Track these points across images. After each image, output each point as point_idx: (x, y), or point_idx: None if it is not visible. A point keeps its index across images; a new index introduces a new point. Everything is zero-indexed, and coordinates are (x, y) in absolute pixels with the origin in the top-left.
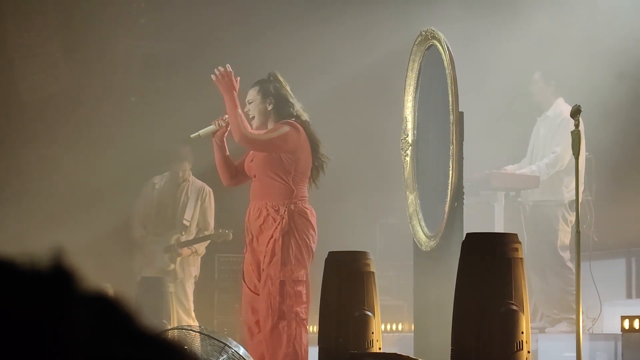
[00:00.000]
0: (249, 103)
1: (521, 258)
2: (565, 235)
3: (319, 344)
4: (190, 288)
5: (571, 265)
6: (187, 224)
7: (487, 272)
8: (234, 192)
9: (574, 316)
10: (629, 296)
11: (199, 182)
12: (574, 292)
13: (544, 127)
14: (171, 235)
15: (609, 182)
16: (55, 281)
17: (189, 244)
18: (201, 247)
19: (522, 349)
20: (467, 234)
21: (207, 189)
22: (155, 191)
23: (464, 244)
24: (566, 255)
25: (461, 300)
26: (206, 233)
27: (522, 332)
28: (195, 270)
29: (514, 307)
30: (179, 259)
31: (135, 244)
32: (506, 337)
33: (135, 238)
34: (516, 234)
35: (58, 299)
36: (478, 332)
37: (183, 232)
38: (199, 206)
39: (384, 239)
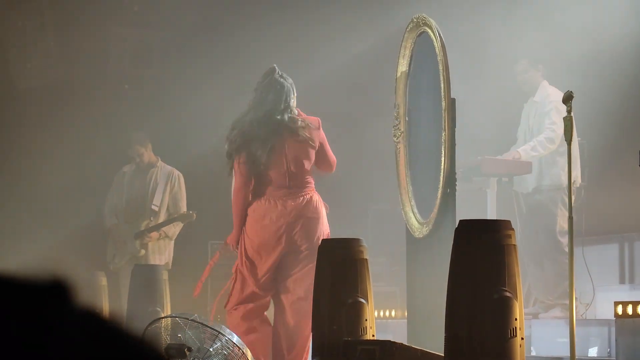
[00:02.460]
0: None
1: (514, 245)
2: (564, 220)
3: (312, 331)
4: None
5: (567, 250)
6: (156, 209)
7: (480, 258)
8: (206, 177)
9: (568, 302)
10: (622, 282)
11: (168, 167)
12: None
13: (534, 111)
14: (141, 221)
15: (601, 167)
16: (52, 294)
17: (155, 228)
18: (171, 231)
19: (516, 336)
20: (460, 220)
21: (177, 173)
22: (126, 179)
23: (457, 230)
24: (565, 240)
25: (454, 287)
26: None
27: (516, 319)
28: (166, 257)
29: (508, 294)
30: (149, 244)
31: (108, 233)
32: (500, 323)
33: (107, 227)
34: (509, 221)
35: (55, 312)
36: (471, 318)
37: (152, 218)
38: (168, 191)
39: (376, 225)
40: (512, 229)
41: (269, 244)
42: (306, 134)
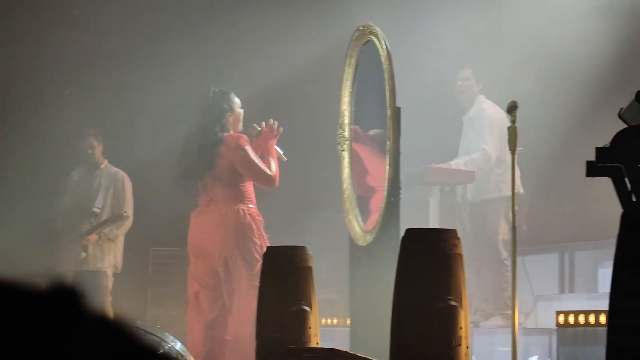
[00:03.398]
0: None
1: (460, 254)
2: (506, 231)
3: (256, 338)
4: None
5: (508, 262)
6: (98, 211)
7: (426, 267)
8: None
9: (508, 311)
10: (562, 291)
11: (114, 169)
12: (509, 289)
13: (470, 127)
14: (84, 224)
15: (542, 177)
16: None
17: (91, 230)
18: (112, 233)
19: (461, 344)
20: (407, 229)
21: (122, 174)
22: (73, 182)
23: (404, 239)
24: (506, 252)
25: (401, 295)
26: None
27: (461, 328)
28: (113, 259)
29: (453, 303)
30: (90, 247)
31: (54, 236)
32: (445, 332)
33: (54, 231)
34: (455, 230)
35: (69, 319)
36: (417, 327)
37: (92, 220)
38: (111, 193)
39: (320, 232)
40: (458, 238)
41: None
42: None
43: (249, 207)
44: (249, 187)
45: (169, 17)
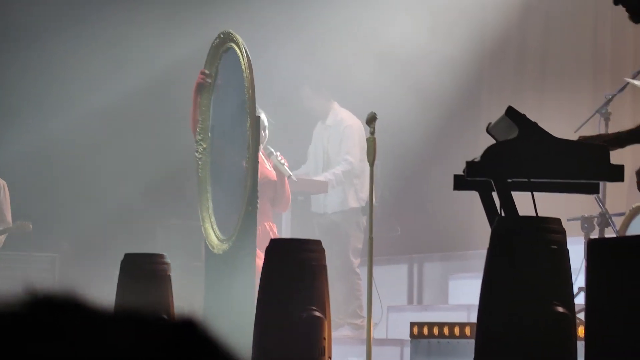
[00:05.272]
0: None
1: (324, 265)
2: (358, 241)
3: None
4: None
5: (359, 271)
6: None
7: (291, 277)
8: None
9: (357, 321)
10: (411, 302)
11: None
12: (360, 297)
13: (327, 135)
14: None
15: (392, 188)
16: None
17: None
18: None
19: (324, 355)
20: (272, 239)
21: (1, 182)
22: None
23: (268, 249)
24: (357, 260)
25: (264, 305)
26: (0, 228)
27: (324, 338)
28: None
29: (317, 314)
30: None
31: None
32: (308, 342)
33: None
34: (319, 241)
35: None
36: (280, 337)
37: None
38: None
39: (170, 240)
40: (323, 249)
41: None
42: None
43: None
44: None
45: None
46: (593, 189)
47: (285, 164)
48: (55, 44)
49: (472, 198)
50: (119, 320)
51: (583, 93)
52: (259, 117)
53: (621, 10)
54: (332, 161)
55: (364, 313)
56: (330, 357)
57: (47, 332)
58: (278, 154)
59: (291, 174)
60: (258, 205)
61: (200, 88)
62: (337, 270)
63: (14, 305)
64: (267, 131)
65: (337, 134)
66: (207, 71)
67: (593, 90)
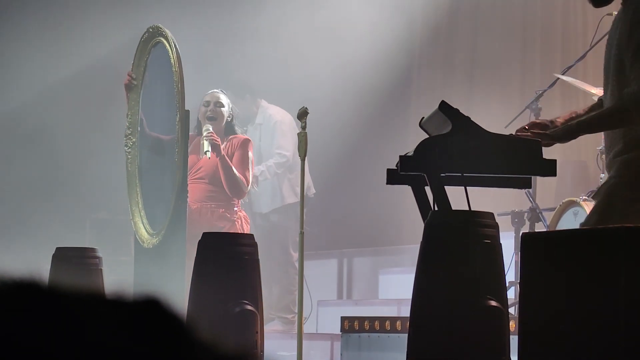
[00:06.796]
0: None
1: (257, 259)
2: (296, 234)
3: None
4: None
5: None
6: None
7: (223, 271)
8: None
9: (289, 316)
10: (340, 297)
11: None
12: (294, 292)
13: (258, 134)
14: None
15: (323, 182)
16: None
17: None
18: None
19: (257, 349)
20: (204, 233)
21: None
22: None
23: (200, 242)
24: (296, 254)
25: (196, 299)
26: None
27: (257, 332)
28: None
29: (249, 307)
30: None
31: None
32: (241, 336)
33: None
34: (252, 235)
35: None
36: (212, 330)
37: None
38: None
39: (96, 234)
40: (255, 243)
41: None
42: None
43: None
44: None
45: None
46: (525, 184)
47: (216, 141)
48: None
49: (403, 192)
50: (82, 300)
51: (513, 87)
52: (188, 112)
53: (549, 3)
54: (266, 157)
55: (297, 308)
56: (262, 352)
57: (14, 316)
58: (210, 128)
59: (208, 150)
60: (216, 195)
61: (129, 88)
62: (280, 265)
63: None
64: (229, 109)
65: (268, 129)
66: (133, 75)
67: (521, 86)
